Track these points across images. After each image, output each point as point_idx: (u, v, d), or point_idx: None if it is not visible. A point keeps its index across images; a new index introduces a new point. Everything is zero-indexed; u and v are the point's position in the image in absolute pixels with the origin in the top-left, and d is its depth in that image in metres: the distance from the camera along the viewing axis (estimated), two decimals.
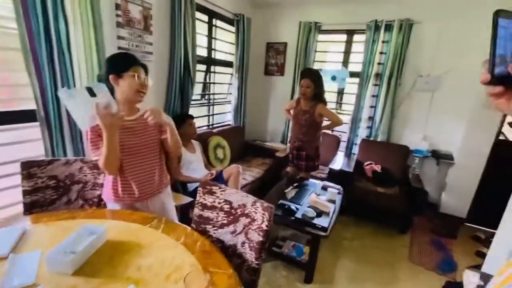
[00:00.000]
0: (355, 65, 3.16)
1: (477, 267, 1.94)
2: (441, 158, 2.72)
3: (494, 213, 2.64)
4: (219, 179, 2.28)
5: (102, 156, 1.03)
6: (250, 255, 0.97)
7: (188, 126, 2.31)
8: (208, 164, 2.55)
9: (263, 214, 0.94)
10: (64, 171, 1.25)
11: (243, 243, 1.00)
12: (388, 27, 2.82)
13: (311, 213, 1.78)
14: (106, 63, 1.15)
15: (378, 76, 2.96)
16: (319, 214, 1.81)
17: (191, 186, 2.21)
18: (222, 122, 3.47)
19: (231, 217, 1.05)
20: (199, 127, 3.00)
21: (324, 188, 2.24)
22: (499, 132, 2.56)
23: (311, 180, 2.51)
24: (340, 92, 3.37)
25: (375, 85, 2.99)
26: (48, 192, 1.21)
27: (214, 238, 1.08)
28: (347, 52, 3.21)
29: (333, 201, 2.05)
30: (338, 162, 3.01)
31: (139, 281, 0.77)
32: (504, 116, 2.47)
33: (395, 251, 2.25)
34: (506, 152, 2.55)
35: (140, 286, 0.75)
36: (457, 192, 2.74)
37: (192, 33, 2.37)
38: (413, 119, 2.92)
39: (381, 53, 2.91)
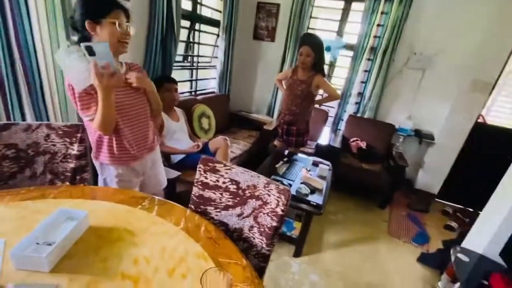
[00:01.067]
0: (350, 37, 3.00)
1: (451, 241, 2.10)
2: (423, 137, 2.80)
3: (463, 191, 2.88)
4: (205, 151, 2.12)
5: (98, 117, 0.92)
6: (259, 240, 0.88)
7: (167, 92, 2.02)
8: (193, 135, 2.35)
9: (279, 197, 0.83)
10: (26, 138, 1.01)
11: (252, 227, 0.90)
12: None
13: (305, 189, 1.73)
14: (80, 4, 0.92)
15: (373, 50, 2.86)
16: (313, 191, 1.77)
17: (175, 158, 2.04)
18: (206, 89, 3.20)
19: (238, 198, 0.93)
20: (181, 93, 2.72)
21: (315, 164, 2.20)
22: (479, 115, 2.67)
23: (300, 155, 2.46)
24: (331, 65, 3.23)
25: (369, 59, 2.89)
26: (6, 164, 0.98)
27: (216, 220, 0.96)
28: (343, 21, 3.02)
29: (323, 177, 2.02)
30: (325, 138, 2.98)
31: (137, 278, 0.63)
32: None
33: (376, 225, 2.36)
34: (483, 134, 2.69)
35: (141, 285, 0.62)
36: (432, 170, 2.89)
37: None
38: (401, 97, 2.93)
39: (378, 25, 2.77)
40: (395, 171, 2.56)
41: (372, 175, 2.57)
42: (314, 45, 2.01)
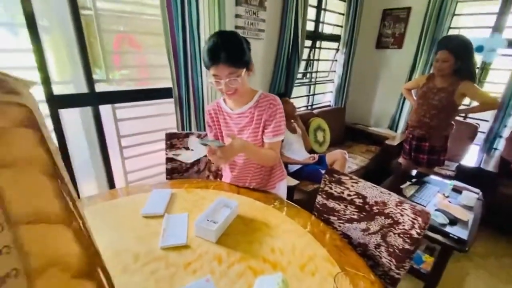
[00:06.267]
0: None
1: None
2: None
3: None
4: (322, 163, 2.17)
5: None
6: (387, 261, 0.84)
7: (285, 104, 2.21)
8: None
9: (415, 218, 0.77)
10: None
11: (378, 245, 0.87)
12: None
13: (442, 218, 1.46)
14: None
15: None
16: (453, 221, 1.46)
17: (291, 168, 2.19)
18: (322, 103, 3.27)
19: (364, 213, 0.92)
20: (298, 108, 2.91)
21: (457, 189, 1.81)
22: None
23: (433, 177, 2.08)
24: (484, 68, 2.59)
25: None
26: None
27: (339, 231, 0.99)
28: (503, 14, 2.39)
29: (469, 208, 1.63)
30: (471, 158, 2.40)
31: (275, 264, 0.75)
32: None
33: None
34: None
35: (278, 270, 0.73)
36: None
37: (304, 5, 2.21)
38: None
39: None
40: None
41: None
42: (453, 48, 1.71)
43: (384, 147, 2.58)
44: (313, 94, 3.09)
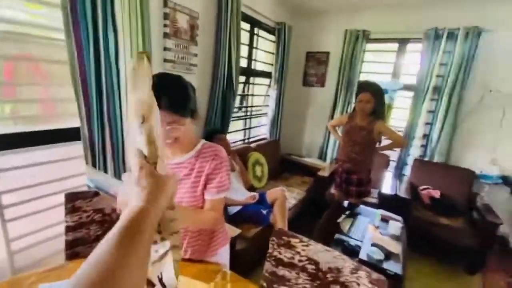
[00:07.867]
0: (409, 77, 2.86)
1: None
2: None
3: None
4: (263, 202, 2.07)
5: None
6: None
7: (220, 141, 2.09)
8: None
9: None
10: (110, 203, 1.09)
11: None
12: (451, 36, 2.50)
13: (378, 254, 1.51)
14: None
15: (437, 90, 2.65)
16: (387, 256, 1.53)
17: (231, 210, 2.02)
18: (257, 136, 3.28)
19: (318, 281, 0.82)
20: (235, 142, 2.83)
21: (384, 219, 1.95)
22: None
23: (362, 207, 2.23)
24: (389, 107, 3.06)
25: (433, 99, 2.67)
26: (93, 227, 1.05)
27: None
28: (398, 63, 2.92)
29: (397, 238, 1.76)
30: (387, 185, 2.71)
31: None
32: None
33: None
34: None
35: None
36: None
37: (236, 42, 2.20)
38: (479, 139, 2.56)
39: (441, 64, 2.60)
40: (483, 227, 2.13)
41: (453, 232, 2.18)
42: (374, 91, 1.95)
43: (317, 178, 2.69)
44: (249, 128, 3.08)
